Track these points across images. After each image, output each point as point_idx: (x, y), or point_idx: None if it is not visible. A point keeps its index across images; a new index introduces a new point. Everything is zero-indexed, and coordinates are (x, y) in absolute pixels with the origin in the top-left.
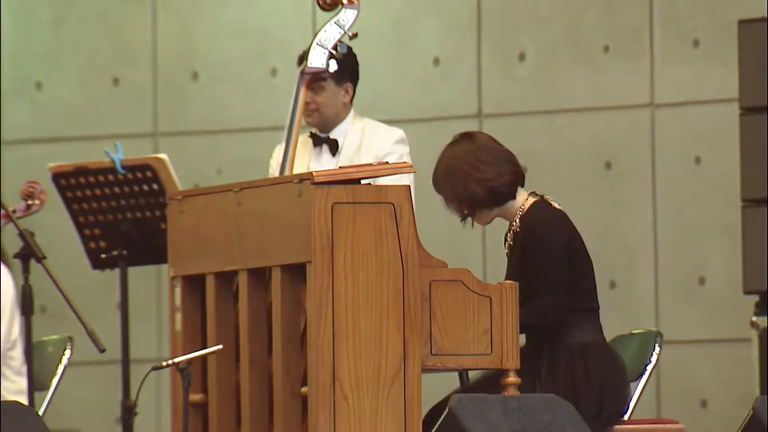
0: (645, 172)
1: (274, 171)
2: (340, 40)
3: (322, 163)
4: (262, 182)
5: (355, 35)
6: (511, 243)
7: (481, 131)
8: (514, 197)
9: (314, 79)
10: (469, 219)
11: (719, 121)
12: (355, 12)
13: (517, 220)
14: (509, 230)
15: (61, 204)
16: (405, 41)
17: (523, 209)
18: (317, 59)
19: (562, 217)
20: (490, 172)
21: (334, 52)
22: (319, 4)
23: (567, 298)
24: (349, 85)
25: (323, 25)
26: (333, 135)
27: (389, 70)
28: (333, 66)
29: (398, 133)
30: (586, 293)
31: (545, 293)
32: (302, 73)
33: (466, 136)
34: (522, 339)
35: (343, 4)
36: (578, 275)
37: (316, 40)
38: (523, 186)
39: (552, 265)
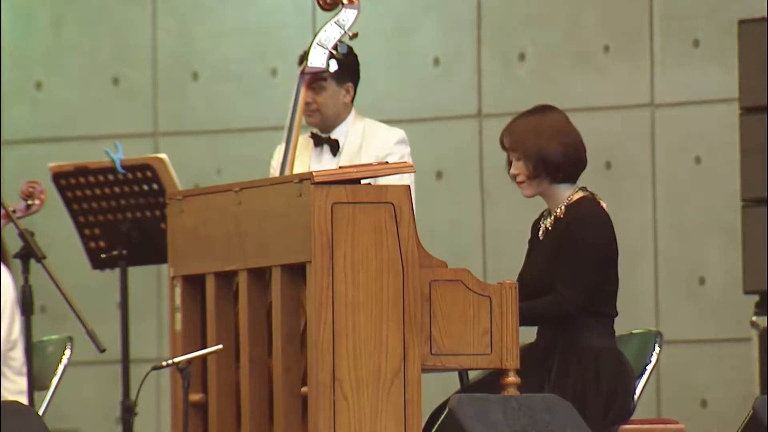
0: (645, 172)
1: (274, 171)
2: (340, 40)
3: (323, 163)
4: (262, 182)
5: (355, 35)
6: (549, 228)
7: None
8: (574, 182)
9: (315, 79)
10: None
11: (719, 121)
12: (355, 12)
13: (563, 207)
14: (548, 216)
15: (61, 204)
16: (405, 41)
17: (571, 199)
18: (317, 59)
19: (607, 218)
20: (574, 139)
21: (334, 52)
22: (319, 4)
23: (588, 295)
24: (349, 85)
25: (323, 25)
26: (334, 135)
27: (389, 70)
28: (333, 66)
29: (399, 133)
30: (608, 298)
31: (568, 283)
32: (302, 73)
33: (550, 108)
34: (532, 336)
35: (343, 4)
36: (607, 278)
37: (317, 40)
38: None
39: (585, 260)
